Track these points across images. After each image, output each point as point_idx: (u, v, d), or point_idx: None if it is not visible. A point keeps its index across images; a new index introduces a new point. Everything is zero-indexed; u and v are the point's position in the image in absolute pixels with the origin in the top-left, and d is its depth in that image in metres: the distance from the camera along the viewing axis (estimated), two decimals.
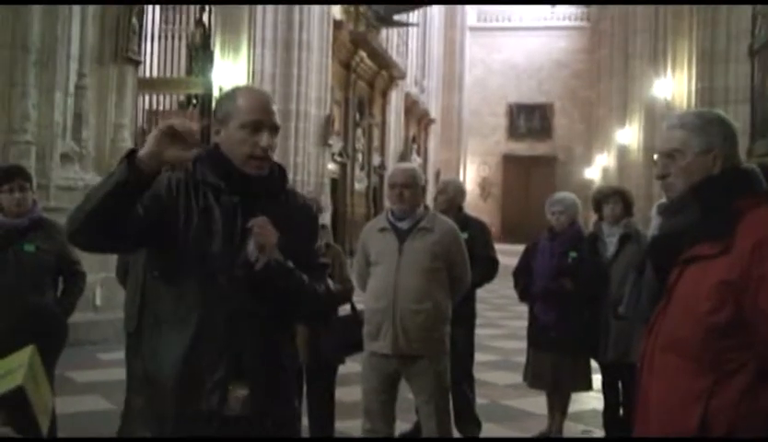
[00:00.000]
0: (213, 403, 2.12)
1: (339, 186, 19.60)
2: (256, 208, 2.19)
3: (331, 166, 17.82)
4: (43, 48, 8.45)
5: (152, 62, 14.13)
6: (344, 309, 4.82)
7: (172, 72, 14.54)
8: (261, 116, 2.23)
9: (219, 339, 2.13)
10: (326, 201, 15.45)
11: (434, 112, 32.52)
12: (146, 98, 14.02)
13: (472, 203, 33.80)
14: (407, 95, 26.91)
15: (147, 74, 13.77)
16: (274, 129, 2.25)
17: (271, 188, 2.27)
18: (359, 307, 4.70)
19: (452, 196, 5.60)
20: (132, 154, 2.00)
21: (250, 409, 2.13)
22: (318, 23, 15.82)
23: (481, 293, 5.87)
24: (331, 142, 17.08)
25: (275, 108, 2.30)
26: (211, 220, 2.19)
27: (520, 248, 5.89)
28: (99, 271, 8.26)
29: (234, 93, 2.30)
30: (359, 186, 21.20)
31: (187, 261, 2.16)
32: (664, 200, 2.26)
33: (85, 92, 9.14)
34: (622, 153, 23.58)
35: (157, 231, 2.14)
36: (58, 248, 4.41)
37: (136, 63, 10.18)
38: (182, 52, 14.72)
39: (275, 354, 2.20)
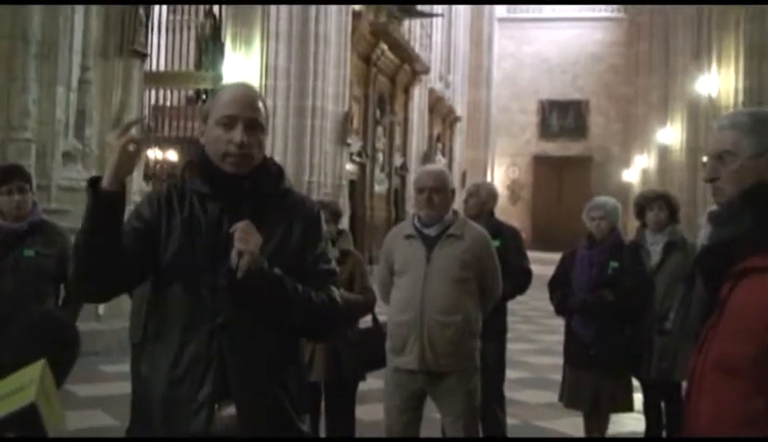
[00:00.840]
0: (199, 424, 2.11)
1: (358, 188, 19.61)
2: (243, 212, 2.18)
3: (349, 166, 17.83)
4: (44, 40, 8.51)
5: (159, 55, 14.22)
6: (366, 322, 4.80)
7: (180, 66, 14.63)
8: (234, 111, 2.23)
9: (203, 355, 2.13)
10: (344, 203, 15.45)
11: (459, 109, 32.49)
12: (153, 93, 14.10)
13: (501, 206, 33.46)
14: (431, 91, 26.90)
15: (154, 67, 13.85)
16: (252, 125, 2.24)
17: (261, 188, 2.26)
18: (382, 319, 4.68)
19: (484, 200, 5.59)
20: (95, 183, 2.08)
21: (239, 429, 2.11)
22: (336, 14, 15.85)
23: (511, 305, 5.84)
24: (349, 141, 17.09)
25: (260, 104, 2.30)
26: (195, 230, 2.20)
27: (551, 256, 5.88)
28: None
29: (217, 91, 2.35)
30: (379, 188, 21.20)
31: (170, 275, 2.18)
32: (715, 207, 2.23)
33: (88, 87, 9.18)
34: (663, 154, 23.45)
35: (148, 252, 2.19)
36: (59, 252, 4.42)
37: (143, 57, 10.23)
38: (191, 44, 14.81)
39: (269, 370, 2.16)
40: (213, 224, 2.20)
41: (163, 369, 2.17)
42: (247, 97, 2.29)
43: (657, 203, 5.31)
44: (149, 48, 11.31)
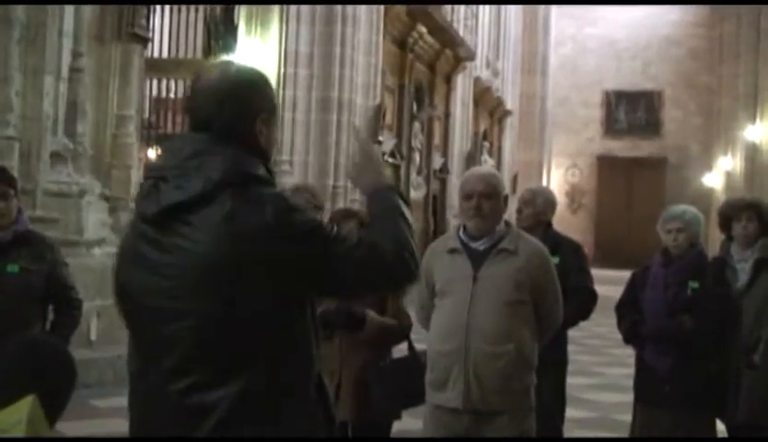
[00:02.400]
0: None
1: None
2: None
3: None
4: (30, 22, 8.60)
5: (162, 39, 14.32)
6: (401, 350, 4.80)
7: (187, 52, 14.73)
8: None
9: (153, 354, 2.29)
10: None
11: (510, 102, 32.38)
12: (155, 83, 14.21)
13: (558, 216, 33.28)
14: (477, 80, 26.83)
15: (156, 54, 13.96)
16: None
17: None
18: (420, 347, 4.67)
19: (541, 209, 5.60)
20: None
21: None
22: None
23: (572, 333, 5.83)
24: (381, 138, 17.09)
25: None
26: None
27: (619, 274, 5.87)
28: (95, 297, 8.35)
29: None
30: (416, 194, 21.16)
31: None
32: None
33: (81, 76, 9.27)
34: (752, 154, 23.23)
35: None
36: (48, 268, 4.46)
37: (144, 41, 10.31)
38: (199, 27, 14.89)
39: (232, 369, 2.21)
40: None
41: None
42: None
43: (745, 214, 5.28)
44: (151, 31, 11.40)
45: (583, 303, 5.36)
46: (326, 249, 2.23)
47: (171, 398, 2.22)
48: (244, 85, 2.39)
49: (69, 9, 9.04)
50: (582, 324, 5.80)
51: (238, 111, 2.34)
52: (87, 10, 9.40)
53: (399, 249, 2.34)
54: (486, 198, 4.16)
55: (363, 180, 2.53)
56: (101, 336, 8.72)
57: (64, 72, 9.04)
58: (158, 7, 13.53)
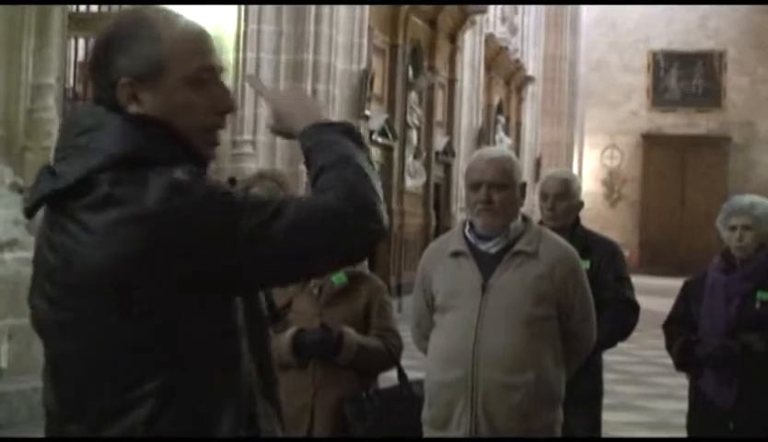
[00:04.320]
0: None
1: (381, 182, 19.61)
2: None
3: None
4: None
5: None
6: (389, 378, 4.79)
7: (121, 3, 14.69)
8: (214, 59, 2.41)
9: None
10: None
11: (532, 67, 32.45)
12: (81, 43, 14.17)
13: (593, 210, 33.67)
14: (489, 39, 26.88)
15: (84, 7, 13.94)
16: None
17: None
18: (414, 376, 4.67)
19: (577, 202, 5.60)
20: None
21: None
22: None
23: (608, 356, 5.84)
24: (368, 113, 17.10)
25: None
26: None
27: (667, 283, 5.92)
28: (5, 315, 8.34)
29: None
30: (413, 183, 21.19)
31: None
32: None
33: None
34: None
35: None
36: None
37: None
38: None
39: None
40: None
41: None
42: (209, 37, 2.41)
43: None
44: None
45: (622, 319, 5.39)
46: (236, 229, 2.17)
47: None
48: (102, 39, 2.35)
49: None
50: (621, 346, 5.82)
51: (98, 77, 2.33)
52: None
53: (355, 197, 2.26)
54: (498, 188, 4.17)
55: (291, 121, 2.45)
56: (13, 363, 8.70)
57: None
58: None
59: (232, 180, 2.44)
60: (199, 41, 2.37)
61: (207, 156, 2.36)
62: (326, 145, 2.32)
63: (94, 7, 14.62)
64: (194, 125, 2.32)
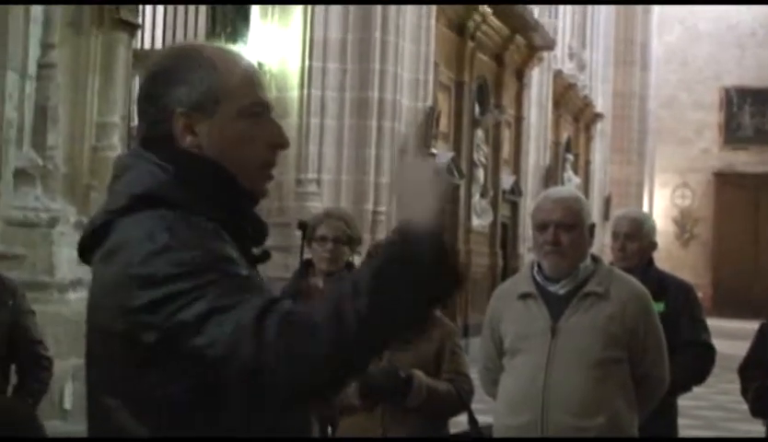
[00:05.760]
0: None
1: (446, 221, 19.58)
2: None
3: None
4: None
5: (155, 25, 14.44)
6: (459, 423, 4.78)
7: (186, 40, 14.84)
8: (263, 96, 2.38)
9: None
10: None
11: (601, 103, 32.29)
12: None
13: (664, 250, 33.24)
14: (557, 75, 26.81)
15: (148, 44, 14.08)
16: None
17: None
18: (484, 421, 4.65)
19: (648, 245, 5.58)
20: None
21: None
22: None
23: (683, 401, 5.78)
24: (434, 150, 17.09)
25: None
26: None
27: (742, 325, 5.87)
28: (69, 354, 8.38)
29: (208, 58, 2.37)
30: (479, 222, 21.13)
31: None
32: None
33: (52, 74, 9.34)
34: None
35: None
36: (10, 318, 4.52)
37: (132, 29, 10.37)
38: (201, 9, 15.03)
39: None
40: None
41: None
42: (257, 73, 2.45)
43: None
44: (141, 16, 11.49)
45: (697, 362, 5.35)
46: (168, 324, 2.05)
47: None
48: (156, 71, 2.34)
49: None
50: (696, 390, 5.76)
51: (150, 108, 2.31)
52: None
53: (333, 349, 1.95)
54: (566, 229, 4.17)
55: (402, 208, 2.14)
56: (78, 404, 8.73)
57: (32, 68, 9.11)
58: None
59: (302, 225, 2.38)
60: (253, 75, 2.37)
61: (260, 191, 2.34)
62: (383, 263, 2.01)
63: (158, 44, 14.78)
64: (248, 158, 2.30)
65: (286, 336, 1.95)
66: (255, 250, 2.33)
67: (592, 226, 4.27)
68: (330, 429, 4.90)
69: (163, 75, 2.31)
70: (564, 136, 28.82)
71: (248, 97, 2.31)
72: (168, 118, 2.27)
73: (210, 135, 2.28)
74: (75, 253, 7.87)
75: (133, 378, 2.15)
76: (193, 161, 2.25)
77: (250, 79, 2.35)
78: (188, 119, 2.27)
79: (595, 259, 4.28)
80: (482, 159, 21.38)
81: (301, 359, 1.94)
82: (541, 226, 4.22)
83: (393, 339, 2.06)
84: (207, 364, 2.00)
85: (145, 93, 2.32)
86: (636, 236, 5.63)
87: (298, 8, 14.53)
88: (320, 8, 14.63)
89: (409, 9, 15.71)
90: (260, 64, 13.83)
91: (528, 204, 22.88)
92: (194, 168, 2.24)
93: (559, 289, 4.18)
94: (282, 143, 2.35)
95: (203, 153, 2.27)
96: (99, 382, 2.28)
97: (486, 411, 4.53)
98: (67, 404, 8.76)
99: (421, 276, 1.95)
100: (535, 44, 23.38)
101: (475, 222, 20.81)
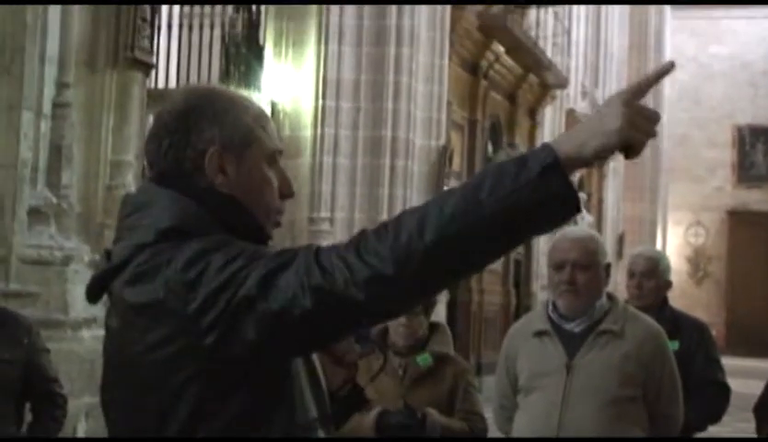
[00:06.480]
0: None
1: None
2: None
3: None
4: (5, 45, 8.76)
5: (169, 65, 14.52)
6: None
7: (200, 79, 14.90)
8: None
9: None
10: None
11: None
12: None
13: (677, 288, 32.94)
14: (570, 114, 26.83)
15: (162, 83, 14.16)
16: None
17: None
18: None
19: (664, 283, 5.58)
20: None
21: None
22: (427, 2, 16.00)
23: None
24: (447, 189, 17.09)
25: None
26: None
27: (756, 364, 5.85)
28: (83, 393, 8.39)
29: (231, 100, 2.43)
30: None
31: None
32: None
33: (67, 112, 9.37)
34: None
35: None
36: (25, 356, 4.52)
37: (146, 68, 10.42)
38: (215, 49, 15.10)
39: None
40: None
41: None
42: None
43: None
44: (155, 55, 11.55)
45: (712, 401, 5.34)
46: (231, 307, 2.10)
47: None
48: (185, 109, 2.37)
49: (54, 29, 9.15)
50: (710, 429, 5.74)
51: (177, 144, 2.34)
52: (76, 29, 9.52)
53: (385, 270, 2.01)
54: (582, 269, 4.19)
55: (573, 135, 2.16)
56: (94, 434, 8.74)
57: (47, 107, 9.15)
58: (164, 26, 13.73)
59: None
60: (271, 123, 2.45)
61: (269, 234, 2.39)
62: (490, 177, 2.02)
63: (172, 83, 14.84)
64: (266, 202, 2.36)
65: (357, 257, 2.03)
66: None
67: (608, 266, 4.29)
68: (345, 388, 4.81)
69: (195, 113, 2.35)
70: (577, 175, 28.81)
71: (273, 143, 2.40)
72: (197, 156, 2.31)
73: (239, 176, 2.33)
74: None
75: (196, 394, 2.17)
76: (222, 199, 2.29)
77: (272, 127, 2.43)
78: (220, 158, 2.32)
79: (610, 297, 4.30)
80: None
81: (378, 279, 2.00)
82: (557, 266, 4.23)
83: (467, 263, 2.05)
84: (295, 319, 2.05)
85: (172, 129, 2.34)
86: (653, 274, 5.63)
87: (311, 48, 14.59)
88: (333, 47, 14.69)
89: (422, 49, 15.77)
90: (273, 104, 13.90)
91: (541, 243, 22.88)
92: (223, 206, 2.28)
93: (575, 327, 4.19)
94: (291, 192, 2.43)
95: (230, 192, 2.31)
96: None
97: None
98: (81, 432, 8.76)
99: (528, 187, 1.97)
100: (548, 83, 23.43)
101: None
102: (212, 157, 2.30)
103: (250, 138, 2.34)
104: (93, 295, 2.34)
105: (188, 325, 2.13)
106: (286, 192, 2.41)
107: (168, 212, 2.25)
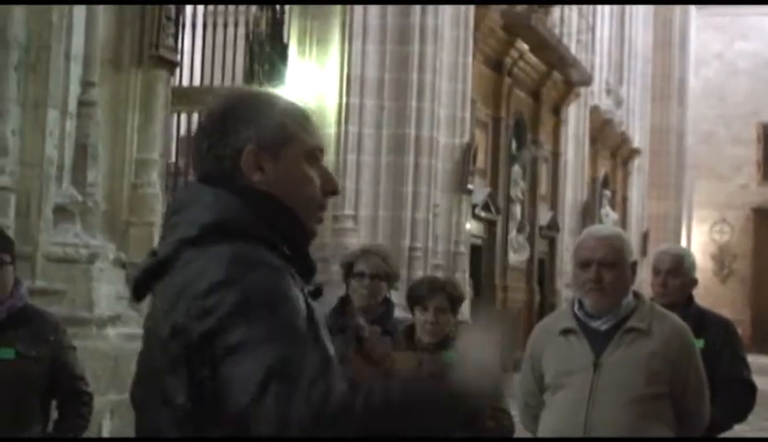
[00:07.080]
0: None
1: (484, 257, 19.54)
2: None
3: (471, 225, 17.81)
4: (30, 44, 8.78)
5: (194, 64, 14.55)
6: None
7: (224, 78, 14.93)
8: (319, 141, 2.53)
9: None
10: (464, 280, 15.38)
11: (638, 139, 32.19)
12: (184, 118, 14.41)
13: (702, 286, 32.75)
14: (594, 111, 26.78)
15: (186, 82, 14.18)
16: None
17: None
18: None
19: (689, 281, 5.55)
20: None
21: None
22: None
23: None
24: (471, 187, 17.09)
25: None
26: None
27: None
28: (108, 390, 8.41)
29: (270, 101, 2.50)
30: (516, 258, 21.08)
31: None
32: None
33: (92, 111, 9.40)
34: None
35: None
36: (51, 353, 4.53)
37: (171, 67, 10.43)
38: (239, 47, 15.11)
39: None
40: None
41: None
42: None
43: None
44: (180, 54, 11.57)
45: (738, 399, 5.31)
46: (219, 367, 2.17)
47: None
48: (223, 111, 2.44)
49: (79, 28, 9.17)
50: (736, 428, 5.72)
51: (216, 145, 2.40)
52: (101, 29, 9.54)
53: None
54: (608, 267, 4.17)
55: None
56: (118, 433, 8.75)
57: (72, 106, 9.18)
58: (189, 25, 13.74)
59: (317, 290, 2.40)
60: (312, 122, 2.49)
61: (312, 230, 2.46)
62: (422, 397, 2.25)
63: (196, 82, 14.87)
64: (307, 199, 2.42)
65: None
66: (308, 287, 2.42)
67: (634, 264, 4.28)
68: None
69: (232, 115, 2.41)
70: (602, 172, 28.72)
71: (312, 141, 2.44)
72: (235, 155, 2.38)
73: (276, 174, 2.39)
74: (114, 289, 7.95)
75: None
76: (262, 196, 2.35)
77: (313, 125, 2.47)
78: (256, 157, 2.37)
79: (637, 295, 4.28)
80: (519, 195, 21.37)
81: None
82: (583, 264, 4.22)
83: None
84: (244, 423, 2.15)
85: (210, 131, 2.42)
86: (678, 272, 5.61)
87: (335, 46, 14.60)
88: (357, 45, 14.69)
89: (446, 47, 15.76)
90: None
91: (565, 240, 22.86)
92: (263, 203, 2.34)
93: (601, 325, 4.18)
94: (335, 189, 2.49)
95: (269, 190, 2.37)
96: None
97: None
98: (106, 432, 8.78)
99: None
100: (572, 80, 23.38)
101: (512, 258, 20.77)
102: (248, 155, 2.37)
103: (287, 137, 2.40)
104: (139, 292, 2.41)
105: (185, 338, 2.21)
106: (329, 189, 2.47)
107: (211, 208, 2.32)
